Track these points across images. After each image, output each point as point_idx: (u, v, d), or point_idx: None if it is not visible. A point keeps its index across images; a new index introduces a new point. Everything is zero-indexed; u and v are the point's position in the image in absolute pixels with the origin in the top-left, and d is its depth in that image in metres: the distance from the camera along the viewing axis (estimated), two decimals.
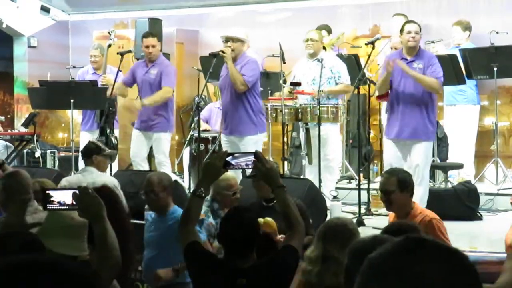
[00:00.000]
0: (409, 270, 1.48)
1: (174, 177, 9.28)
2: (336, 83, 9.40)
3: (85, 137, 10.64)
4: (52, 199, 3.65)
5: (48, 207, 3.68)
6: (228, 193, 6.53)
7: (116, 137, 9.97)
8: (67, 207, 3.66)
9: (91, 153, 7.54)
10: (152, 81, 9.74)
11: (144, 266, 6.33)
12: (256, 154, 4.22)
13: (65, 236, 3.79)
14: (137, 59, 10.90)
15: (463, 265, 1.52)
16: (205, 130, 10.39)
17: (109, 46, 10.78)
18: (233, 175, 6.86)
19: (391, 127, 8.51)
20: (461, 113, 10.26)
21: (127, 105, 11.66)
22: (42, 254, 3.53)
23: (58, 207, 3.68)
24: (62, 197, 3.64)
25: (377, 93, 9.32)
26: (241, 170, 7.24)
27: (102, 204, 3.58)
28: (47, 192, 3.67)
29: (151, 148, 9.97)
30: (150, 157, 10.26)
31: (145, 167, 9.75)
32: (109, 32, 10.98)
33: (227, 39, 9.05)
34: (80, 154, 8.39)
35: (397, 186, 5.86)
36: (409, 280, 1.47)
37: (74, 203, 3.60)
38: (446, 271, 1.49)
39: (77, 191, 3.59)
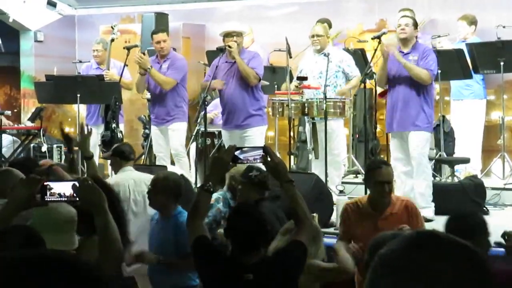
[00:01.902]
0: (423, 267, 1.47)
1: (180, 171, 9.30)
2: (347, 78, 9.39)
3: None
4: (51, 191, 3.57)
5: (46, 199, 3.62)
6: None
7: (121, 131, 9.98)
8: (66, 199, 3.60)
9: (127, 159, 7.45)
10: (163, 75, 9.76)
11: (149, 272, 5.96)
12: (264, 148, 4.22)
13: (54, 231, 3.76)
14: (143, 54, 10.91)
15: (477, 261, 1.51)
16: (211, 123, 10.38)
17: (112, 40, 10.79)
18: None
19: (389, 120, 8.55)
20: (468, 108, 10.23)
21: (133, 99, 11.66)
22: (44, 249, 3.53)
23: (57, 199, 3.60)
24: (61, 189, 3.53)
25: (379, 89, 9.32)
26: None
27: (103, 195, 3.54)
28: (46, 183, 3.55)
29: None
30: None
31: (167, 162, 9.75)
32: (112, 27, 10.99)
33: (230, 35, 9.07)
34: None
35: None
36: (424, 277, 1.46)
37: (74, 195, 3.56)
38: (460, 267, 1.48)
39: (76, 183, 3.52)
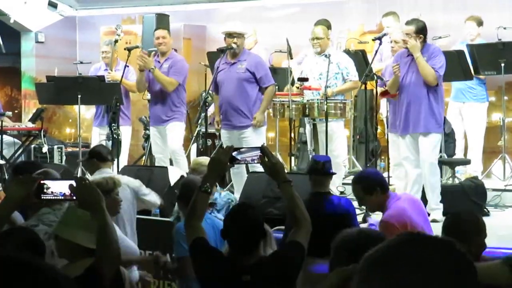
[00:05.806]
0: (411, 259, 1.54)
1: (180, 172, 9.30)
2: (344, 79, 9.39)
3: (96, 133, 10.69)
4: (48, 190, 3.55)
5: (42, 197, 3.59)
6: None
7: (118, 134, 9.92)
8: (63, 198, 3.58)
9: (105, 160, 7.38)
10: (165, 75, 9.77)
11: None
12: (262, 148, 4.21)
13: (87, 229, 3.76)
14: (148, 55, 10.93)
15: (459, 255, 1.58)
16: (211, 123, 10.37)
17: (116, 41, 10.79)
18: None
19: (395, 121, 8.52)
20: (470, 110, 10.17)
21: (134, 100, 11.66)
22: (28, 254, 3.51)
23: (54, 198, 3.59)
24: (58, 187, 3.54)
25: (379, 89, 9.31)
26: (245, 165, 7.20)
27: (101, 195, 3.52)
28: (42, 182, 3.56)
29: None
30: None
31: (167, 163, 9.75)
32: (116, 28, 11.00)
33: (231, 35, 9.05)
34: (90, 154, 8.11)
35: (364, 192, 5.89)
36: (414, 268, 1.53)
37: (72, 194, 3.54)
38: (446, 260, 1.55)
39: (73, 182, 3.52)
